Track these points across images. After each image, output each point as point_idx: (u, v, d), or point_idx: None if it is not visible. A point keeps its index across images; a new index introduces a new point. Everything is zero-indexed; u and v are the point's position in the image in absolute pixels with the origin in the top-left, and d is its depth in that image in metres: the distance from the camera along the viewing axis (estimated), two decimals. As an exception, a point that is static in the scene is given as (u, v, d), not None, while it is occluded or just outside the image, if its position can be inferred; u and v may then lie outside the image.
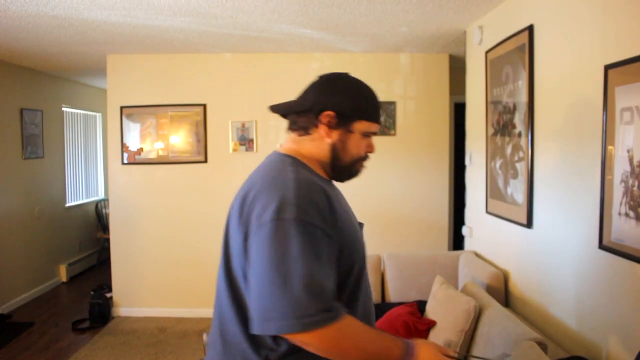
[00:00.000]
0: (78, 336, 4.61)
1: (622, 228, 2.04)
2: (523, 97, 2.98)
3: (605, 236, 2.15)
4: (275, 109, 1.51)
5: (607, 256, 2.15)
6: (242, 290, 1.33)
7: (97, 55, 5.00)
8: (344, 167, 1.49)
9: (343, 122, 1.43)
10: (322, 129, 1.43)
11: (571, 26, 2.49)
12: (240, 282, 1.33)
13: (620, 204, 2.04)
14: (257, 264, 1.24)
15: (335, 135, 1.44)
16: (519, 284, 3.13)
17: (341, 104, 1.42)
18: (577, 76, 2.43)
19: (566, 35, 2.54)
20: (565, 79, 2.56)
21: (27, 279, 5.63)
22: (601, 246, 2.19)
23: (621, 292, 2.09)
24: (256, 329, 1.23)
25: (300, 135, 1.47)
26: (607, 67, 2.12)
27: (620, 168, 2.05)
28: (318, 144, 1.45)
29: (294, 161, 1.42)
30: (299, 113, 1.46)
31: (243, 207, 1.32)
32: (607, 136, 2.13)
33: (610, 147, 2.12)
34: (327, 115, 1.41)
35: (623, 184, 2.03)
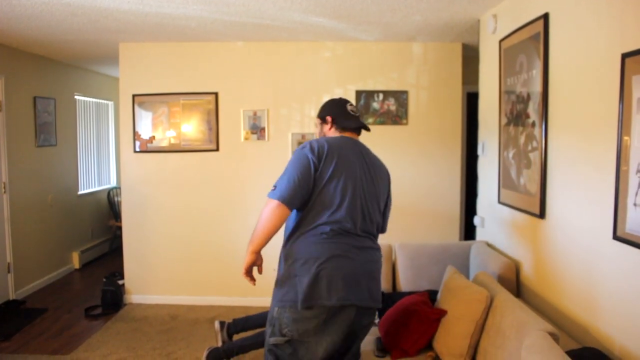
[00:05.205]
0: (91, 322, 4.67)
1: (637, 219, 2.02)
2: (537, 87, 2.95)
3: (620, 227, 2.13)
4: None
5: (621, 247, 2.13)
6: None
7: (109, 44, 5.01)
8: None
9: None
10: None
11: (587, 14, 2.45)
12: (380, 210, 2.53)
13: (636, 194, 2.02)
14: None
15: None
16: (531, 275, 3.11)
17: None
18: (593, 65, 2.40)
19: (582, 24, 2.50)
20: (580, 68, 2.52)
21: (41, 266, 5.71)
22: (615, 237, 2.17)
23: (635, 283, 2.07)
24: (386, 229, 2.63)
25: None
26: (625, 56, 2.09)
27: (636, 159, 2.02)
28: None
29: None
30: None
31: (387, 175, 2.58)
32: (623, 126, 2.10)
33: (626, 138, 2.09)
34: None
35: (639, 175, 2.00)
